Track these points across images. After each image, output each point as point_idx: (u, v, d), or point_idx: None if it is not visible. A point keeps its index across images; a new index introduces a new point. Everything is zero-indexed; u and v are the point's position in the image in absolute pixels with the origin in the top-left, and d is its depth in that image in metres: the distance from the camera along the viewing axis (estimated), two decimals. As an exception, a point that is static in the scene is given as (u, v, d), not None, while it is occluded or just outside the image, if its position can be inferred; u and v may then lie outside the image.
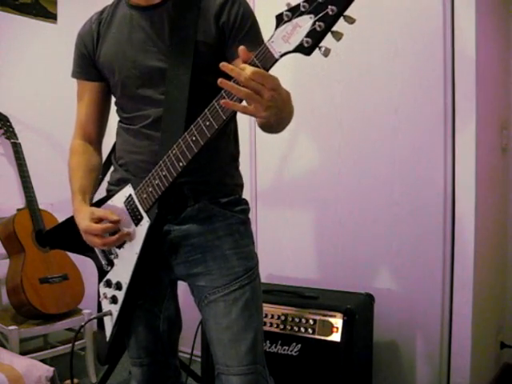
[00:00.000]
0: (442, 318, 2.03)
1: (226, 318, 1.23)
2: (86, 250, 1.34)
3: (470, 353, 1.97)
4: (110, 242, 1.22)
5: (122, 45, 1.26)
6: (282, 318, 1.91)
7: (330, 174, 2.27)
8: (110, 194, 1.31)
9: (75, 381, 2.13)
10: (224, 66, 0.96)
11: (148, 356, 1.37)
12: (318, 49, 0.91)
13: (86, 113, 1.38)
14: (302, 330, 1.85)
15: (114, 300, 1.26)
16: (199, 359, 2.12)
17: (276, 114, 1.00)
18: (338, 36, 0.90)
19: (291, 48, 0.92)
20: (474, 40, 1.92)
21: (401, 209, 2.10)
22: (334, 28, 0.89)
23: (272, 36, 0.94)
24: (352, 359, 1.80)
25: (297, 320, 1.88)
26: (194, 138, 1.07)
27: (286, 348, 1.88)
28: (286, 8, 0.93)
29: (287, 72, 2.32)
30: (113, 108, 1.40)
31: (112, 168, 1.38)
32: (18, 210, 2.45)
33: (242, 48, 0.98)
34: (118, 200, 1.26)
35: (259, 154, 2.48)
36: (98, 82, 1.35)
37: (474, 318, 1.97)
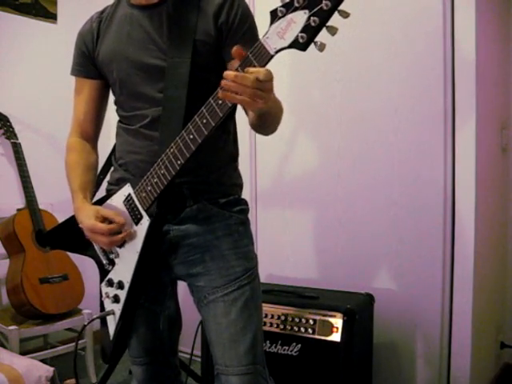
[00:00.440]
0: (441, 318, 2.03)
1: (225, 318, 1.23)
2: (87, 250, 1.34)
3: (470, 353, 1.97)
4: (115, 242, 1.22)
5: (121, 43, 1.27)
6: (282, 317, 1.91)
7: (329, 174, 2.27)
8: (110, 193, 1.31)
9: (72, 381, 2.13)
10: (228, 75, 0.95)
11: (148, 355, 1.37)
12: (313, 44, 0.90)
13: (84, 110, 1.37)
14: (302, 329, 1.85)
15: (116, 299, 1.25)
16: (199, 359, 2.12)
17: (271, 107, 1.02)
18: (332, 31, 0.89)
19: (286, 44, 0.92)
20: (474, 40, 1.92)
21: (401, 209, 2.10)
22: (329, 23, 0.89)
23: (267, 32, 0.94)
24: (352, 359, 1.80)
25: (297, 320, 1.88)
26: (191, 136, 1.07)
27: (286, 348, 1.88)
28: (280, 4, 0.92)
29: (286, 72, 2.32)
30: (113, 108, 1.40)
31: (112, 168, 1.38)
32: (18, 209, 2.45)
33: (236, 47, 0.97)
34: (118, 199, 1.26)
35: (259, 154, 2.48)
36: (97, 80, 1.35)
37: (473, 318, 1.97)
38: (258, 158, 2.48)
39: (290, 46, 0.91)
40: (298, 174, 2.37)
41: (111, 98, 1.39)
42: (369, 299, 2.01)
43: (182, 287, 1.39)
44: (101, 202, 1.31)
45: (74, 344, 1.46)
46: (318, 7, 0.87)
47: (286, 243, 2.41)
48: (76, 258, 2.40)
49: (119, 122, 1.35)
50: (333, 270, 2.28)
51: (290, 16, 0.90)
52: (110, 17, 1.31)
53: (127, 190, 1.24)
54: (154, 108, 1.23)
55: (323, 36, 0.90)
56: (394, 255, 2.12)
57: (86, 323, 1.31)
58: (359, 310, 1.85)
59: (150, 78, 1.23)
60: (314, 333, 1.84)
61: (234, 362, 1.23)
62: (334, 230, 2.27)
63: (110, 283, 1.28)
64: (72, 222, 1.31)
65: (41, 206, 2.47)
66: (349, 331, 1.79)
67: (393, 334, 2.13)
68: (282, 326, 1.90)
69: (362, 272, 2.20)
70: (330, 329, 1.81)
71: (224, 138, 1.30)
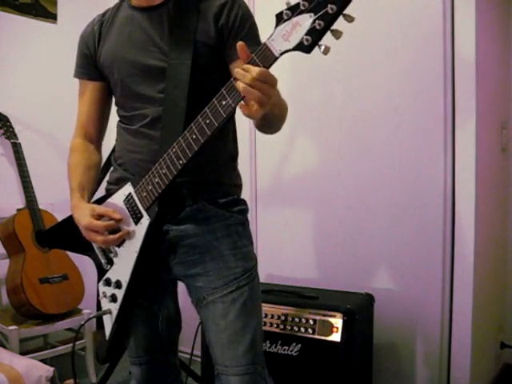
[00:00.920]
0: (442, 318, 2.03)
1: (224, 318, 1.23)
2: (85, 249, 1.34)
3: (470, 353, 1.97)
4: (111, 241, 1.22)
5: (122, 44, 1.27)
6: (282, 318, 1.91)
7: (329, 173, 2.27)
8: (109, 192, 1.31)
9: (72, 381, 2.13)
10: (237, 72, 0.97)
11: (147, 355, 1.37)
12: (317, 47, 0.92)
13: (88, 112, 1.38)
14: (302, 329, 1.85)
15: (113, 298, 1.26)
16: (199, 359, 2.12)
17: (275, 110, 1.06)
18: (337, 34, 0.91)
19: (291, 46, 0.93)
20: (474, 39, 1.92)
21: (401, 209, 2.09)
22: (334, 26, 0.90)
23: (272, 34, 0.95)
24: (352, 359, 1.80)
25: (297, 320, 1.88)
26: (194, 136, 1.07)
27: (286, 348, 1.88)
28: (285, 7, 0.94)
29: (287, 72, 2.32)
30: (113, 108, 1.40)
31: (112, 168, 1.38)
32: (18, 209, 2.45)
33: (241, 44, 0.98)
34: (118, 198, 1.26)
35: (259, 154, 2.48)
36: (100, 82, 1.36)
37: (473, 318, 1.97)
38: (258, 158, 2.48)
39: (295, 49, 0.93)
40: (298, 174, 2.37)
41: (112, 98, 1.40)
42: (369, 299, 2.01)
43: (182, 287, 1.39)
44: (100, 201, 1.31)
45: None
46: (324, 11, 0.89)
47: (285, 243, 2.41)
48: (76, 258, 2.40)
49: (119, 121, 1.36)
50: (333, 270, 2.28)
51: (295, 19, 0.92)
52: (111, 19, 1.32)
53: (128, 189, 1.24)
54: (154, 108, 1.24)
55: (326, 39, 0.92)
56: (394, 255, 2.12)
57: (82, 322, 1.31)
58: (359, 310, 1.85)
59: (150, 79, 1.24)
60: (314, 333, 1.84)
61: (233, 362, 1.23)
62: (334, 230, 2.27)
63: (108, 282, 1.27)
64: (70, 220, 1.31)
65: (41, 206, 2.47)
66: (349, 331, 1.79)
67: (393, 333, 2.12)
68: (282, 326, 1.90)
69: (362, 272, 2.20)
70: (329, 329, 1.81)
71: (223, 138, 1.30)
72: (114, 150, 1.40)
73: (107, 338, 1.28)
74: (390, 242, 2.13)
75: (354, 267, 2.22)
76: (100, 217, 1.23)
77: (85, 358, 2.48)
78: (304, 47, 0.92)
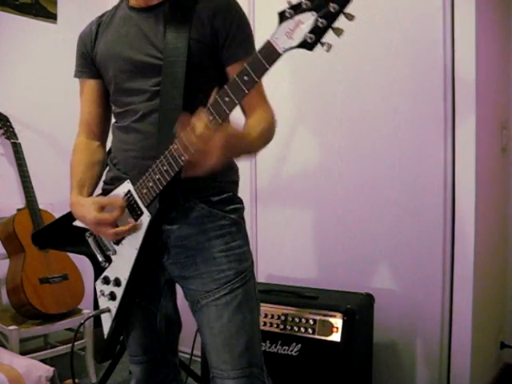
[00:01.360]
0: (442, 318, 2.03)
1: (217, 322, 1.23)
2: (81, 248, 1.33)
3: (470, 353, 1.97)
4: (122, 232, 1.21)
5: (117, 42, 1.29)
6: (282, 318, 1.91)
7: (330, 173, 2.27)
8: (105, 192, 1.31)
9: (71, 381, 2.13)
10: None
11: (146, 354, 1.37)
12: (320, 44, 0.94)
13: (90, 110, 1.39)
14: (302, 330, 1.85)
15: (112, 297, 1.25)
16: (199, 359, 2.12)
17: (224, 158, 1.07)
18: (338, 32, 0.94)
19: (295, 44, 0.95)
20: (474, 39, 1.92)
21: (401, 209, 2.10)
22: (335, 24, 0.93)
23: (275, 32, 0.97)
24: (352, 359, 1.80)
25: (297, 320, 1.88)
26: None
27: (286, 348, 1.88)
28: (287, 5, 0.95)
29: (288, 72, 2.32)
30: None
31: (107, 167, 1.38)
32: (18, 209, 2.45)
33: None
34: (116, 196, 1.25)
35: (259, 154, 2.47)
36: (99, 80, 1.36)
37: (473, 318, 1.97)
38: (258, 158, 2.48)
39: (299, 46, 0.95)
40: (299, 174, 2.37)
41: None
42: (369, 299, 2.01)
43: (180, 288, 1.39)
44: None
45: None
46: (326, 10, 0.92)
47: (286, 243, 2.41)
48: (76, 258, 2.40)
49: (114, 122, 1.37)
50: (333, 270, 2.28)
51: (297, 17, 0.94)
52: (109, 19, 1.34)
53: (127, 186, 1.23)
54: (145, 103, 1.24)
55: (327, 37, 0.94)
56: (394, 255, 2.12)
57: (82, 321, 1.31)
58: (359, 310, 1.85)
59: (143, 75, 1.24)
60: (314, 333, 1.84)
61: (229, 365, 1.23)
62: (334, 230, 2.27)
63: (106, 281, 1.27)
64: (64, 219, 1.31)
65: (41, 206, 2.47)
66: (349, 331, 1.79)
67: (393, 334, 2.13)
68: (282, 326, 1.90)
69: (362, 272, 2.20)
70: (329, 329, 1.81)
71: None
72: (110, 151, 1.40)
73: (106, 336, 1.27)
74: (389, 242, 2.13)
75: (353, 267, 2.22)
76: (102, 209, 1.21)
77: (85, 357, 2.48)
78: (307, 45, 0.94)
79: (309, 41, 0.94)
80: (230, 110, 1.02)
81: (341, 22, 0.92)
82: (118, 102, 1.31)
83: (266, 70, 0.98)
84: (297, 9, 0.94)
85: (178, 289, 1.41)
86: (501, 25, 2.33)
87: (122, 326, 1.30)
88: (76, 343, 2.42)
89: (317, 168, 2.32)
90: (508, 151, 2.40)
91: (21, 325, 2.28)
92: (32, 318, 2.33)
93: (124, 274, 1.23)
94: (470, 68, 1.93)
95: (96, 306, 1.30)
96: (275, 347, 1.90)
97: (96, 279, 1.30)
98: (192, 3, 1.24)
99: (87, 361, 2.49)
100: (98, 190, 1.39)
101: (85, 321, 1.28)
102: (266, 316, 1.92)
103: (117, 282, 1.24)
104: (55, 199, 2.59)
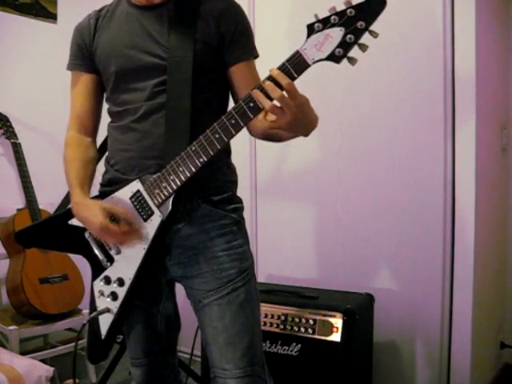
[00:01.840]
0: (441, 318, 2.03)
1: (220, 321, 1.23)
2: (75, 247, 1.31)
3: (470, 353, 1.97)
4: (126, 242, 1.20)
5: (120, 39, 1.27)
6: (282, 318, 1.91)
7: (329, 173, 2.27)
8: (103, 194, 1.28)
9: (72, 381, 2.13)
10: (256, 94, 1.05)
11: (146, 356, 1.37)
12: (346, 58, 1.03)
13: (82, 104, 1.36)
14: (302, 330, 1.85)
15: (113, 297, 1.23)
16: (199, 359, 2.12)
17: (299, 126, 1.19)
18: (363, 48, 1.03)
19: (324, 56, 1.03)
20: (474, 40, 1.92)
21: (401, 209, 2.09)
22: (361, 40, 1.01)
23: (304, 44, 1.03)
24: (352, 359, 1.80)
25: (297, 320, 1.88)
26: (217, 136, 1.10)
27: (286, 348, 1.88)
28: (314, 19, 1.02)
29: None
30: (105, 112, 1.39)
31: (104, 169, 1.36)
32: (18, 210, 2.45)
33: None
34: (124, 195, 1.23)
35: (259, 154, 2.48)
36: (94, 74, 1.34)
37: (473, 317, 1.97)
38: (258, 158, 2.48)
39: (328, 59, 1.03)
40: (298, 174, 2.37)
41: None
42: (369, 299, 2.01)
43: (180, 287, 1.39)
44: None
45: (73, 344, 1.45)
46: (354, 26, 1.00)
47: (286, 243, 2.41)
48: (76, 258, 2.40)
49: (110, 122, 1.34)
50: (333, 270, 2.28)
51: (327, 31, 1.02)
52: (109, 14, 1.32)
53: (136, 186, 1.22)
54: (146, 102, 1.23)
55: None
56: (394, 255, 2.12)
57: (84, 322, 1.30)
58: (359, 309, 1.85)
59: (146, 74, 1.24)
60: (313, 333, 1.84)
61: (231, 365, 1.23)
62: (334, 230, 2.27)
63: (107, 281, 1.25)
64: (57, 218, 1.29)
65: (41, 206, 2.47)
66: (349, 331, 1.79)
67: (393, 333, 2.13)
68: (282, 326, 1.90)
69: (362, 272, 2.20)
70: (329, 329, 1.81)
71: None
72: (105, 152, 1.38)
73: (103, 336, 1.25)
74: (389, 242, 2.13)
75: (354, 267, 2.22)
76: (110, 215, 1.18)
77: (85, 358, 2.47)
78: (336, 58, 1.02)
79: (337, 54, 1.02)
80: (255, 116, 1.09)
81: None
82: (116, 99, 1.30)
83: (294, 79, 1.06)
84: (326, 23, 1.01)
85: (178, 290, 1.41)
86: (501, 25, 2.33)
87: (121, 327, 1.29)
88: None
89: (317, 168, 2.32)
90: (508, 151, 2.40)
91: (21, 325, 2.28)
92: (32, 317, 2.33)
93: (129, 274, 1.21)
94: (470, 68, 1.93)
95: (93, 306, 1.28)
96: (275, 347, 1.90)
97: (94, 279, 1.28)
98: (196, 4, 1.24)
99: (87, 361, 2.48)
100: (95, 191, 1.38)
101: (87, 322, 1.28)
102: (266, 316, 1.92)
103: (120, 282, 1.22)
104: (55, 199, 2.57)
